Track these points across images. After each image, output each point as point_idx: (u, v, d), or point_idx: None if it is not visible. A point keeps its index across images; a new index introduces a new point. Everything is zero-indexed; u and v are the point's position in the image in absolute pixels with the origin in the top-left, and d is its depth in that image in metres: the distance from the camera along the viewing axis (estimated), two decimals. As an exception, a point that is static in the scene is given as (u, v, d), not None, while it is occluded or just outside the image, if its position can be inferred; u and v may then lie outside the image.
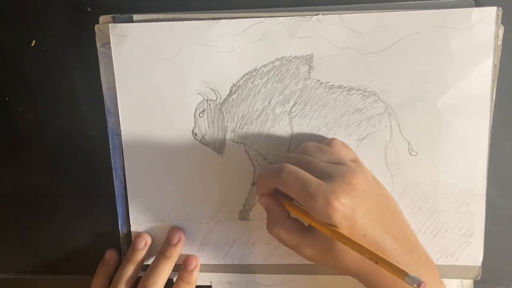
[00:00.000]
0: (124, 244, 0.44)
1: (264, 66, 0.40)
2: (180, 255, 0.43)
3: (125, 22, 0.40)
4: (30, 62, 0.43)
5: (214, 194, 0.42)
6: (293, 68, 0.40)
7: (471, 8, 0.38)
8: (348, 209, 0.32)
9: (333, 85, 0.40)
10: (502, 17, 0.37)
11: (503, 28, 0.38)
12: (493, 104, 0.39)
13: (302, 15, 0.39)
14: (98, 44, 0.41)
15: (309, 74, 0.40)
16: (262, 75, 0.40)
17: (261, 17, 0.39)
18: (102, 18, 0.40)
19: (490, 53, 0.38)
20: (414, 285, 0.27)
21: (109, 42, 0.40)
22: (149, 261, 0.43)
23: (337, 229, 0.32)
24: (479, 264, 0.41)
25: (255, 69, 0.40)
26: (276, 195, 0.37)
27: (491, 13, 0.37)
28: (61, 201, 0.45)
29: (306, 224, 0.36)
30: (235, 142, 0.41)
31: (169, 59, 0.40)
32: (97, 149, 0.43)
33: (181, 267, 0.43)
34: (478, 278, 0.41)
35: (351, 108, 0.40)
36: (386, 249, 0.33)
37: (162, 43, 0.40)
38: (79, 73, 0.42)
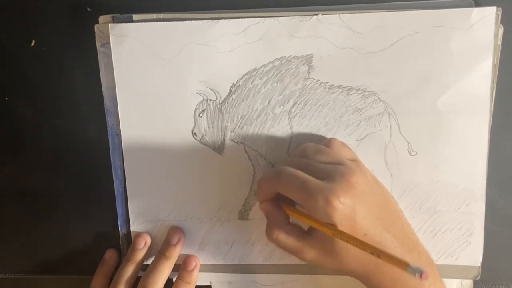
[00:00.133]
0: (124, 244, 0.44)
1: (264, 66, 0.40)
2: (180, 255, 0.43)
3: (125, 22, 0.40)
4: (30, 62, 0.43)
5: (214, 194, 0.42)
6: (292, 68, 0.40)
7: (471, 8, 0.38)
8: (348, 208, 0.32)
9: (333, 85, 0.40)
10: (502, 17, 0.37)
11: (502, 28, 0.38)
12: (493, 104, 0.39)
13: (302, 15, 0.39)
14: (98, 44, 0.41)
15: (308, 74, 0.40)
16: (262, 75, 0.40)
17: (261, 17, 0.39)
18: (102, 18, 0.40)
19: (489, 53, 0.38)
20: (416, 275, 0.26)
21: (109, 42, 0.40)
22: (149, 261, 0.43)
23: (337, 228, 0.32)
24: (479, 264, 0.41)
25: (254, 69, 0.40)
26: (276, 201, 0.37)
27: (490, 13, 0.37)
28: (61, 201, 0.45)
29: (306, 229, 0.36)
30: (235, 142, 0.41)
31: (169, 59, 0.40)
32: (97, 149, 0.43)
33: (181, 267, 0.43)
34: (478, 278, 0.41)
35: (350, 108, 0.40)
36: (386, 248, 0.33)
37: (162, 43, 0.40)
38: (79, 73, 0.42)
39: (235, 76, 0.40)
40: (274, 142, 0.41)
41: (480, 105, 0.39)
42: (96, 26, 0.40)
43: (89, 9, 0.41)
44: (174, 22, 0.39)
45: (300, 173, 0.33)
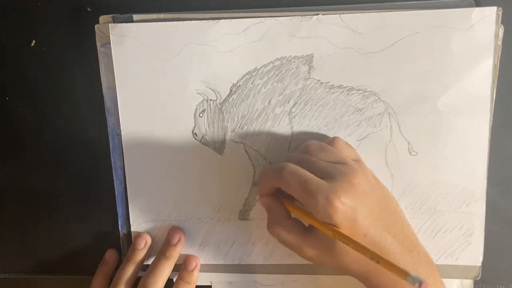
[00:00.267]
0: (124, 244, 0.44)
1: (264, 66, 0.40)
2: (180, 255, 0.43)
3: (125, 22, 0.40)
4: (30, 62, 0.42)
5: (214, 194, 0.42)
6: (293, 68, 0.40)
7: (471, 8, 0.38)
8: (349, 209, 0.32)
9: (333, 85, 0.40)
10: (502, 17, 0.37)
11: (503, 28, 0.38)
12: (493, 104, 0.39)
13: (302, 15, 0.39)
14: (98, 44, 0.41)
15: (309, 74, 0.40)
16: (262, 75, 0.40)
17: (261, 17, 0.39)
18: (102, 18, 0.40)
19: (490, 53, 0.38)
20: (416, 285, 0.27)
21: (109, 42, 0.40)
22: (149, 261, 0.43)
23: (338, 229, 0.32)
24: (479, 264, 0.41)
25: (255, 69, 0.40)
26: (277, 195, 0.37)
27: (491, 13, 0.37)
28: (61, 201, 0.45)
29: (307, 225, 0.36)
30: (235, 142, 0.41)
31: (169, 59, 0.40)
32: (97, 149, 0.43)
33: (181, 267, 0.43)
34: (478, 278, 0.41)
35: (351, 108, 0.40)
36: (386, 249, 0.33)
37: (162, 43, 0.40)
38: (79, 73, 0.42)
39: (236, 76, 0.40)
40: (274, 142, 0.41)
41: (480, 105, 0.39)
42: (96, 26, 0.40)
43: (89, 9, 0.41)
44: (174, 22, 0.39)
45: (302, 171, 0.33)
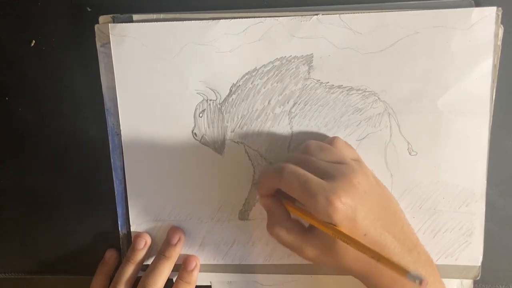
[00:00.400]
0: (124, 244, 0.44)
1: (264, 66, 0.40)
2: (180, 255, 0.43)
3: (125, 22, 0.40)
4: (30, 62, 0.43)
5: (214, 194, 0.42)
6: (293, 68, 0.40)
7: (471, 8, 0.38)
8: (349, 209, 0.32)
9: (333, 85, 0.40)
10: (502, 17, 0.37)
11: (503, 28, 0.38)
12: (493, 104, 0.39)
13: (302, 15, 0.39)
14: (98, 44, 0.41)
15: (309, 74, 0.40)
16: (262, 75, 0.40)
17: (261, 17, 0.39)
18: (102, 18, 0.40)
19: (490, 53, 0.38)
20: (416, 282, 0.27)
21: (109, 42, 0.40)
22: (149, 261, 0.43)
23: (338, 228, 0.32)
24: (479, 264, 0.41)
25: (255, 69, 0.40)
26: (277, 196, 0.37)
27: (491, 13, 0.37)
28: (61, 201, 0.45)
29: (307, 225, 0.36)
30: (235, 142, 0.41)
31: (169, 59, 0.40)
32: (97, 149, 0.43)
33: (181, 267, 0.43)
34: (478, 278, 0.41)
35: (351, 108, 0.40)
36: (386, 248, 0.33)
37: (162, 43, 0.40)
38: (79, 73, 0.42)
39: (235, 76, 0.40)
40: (274, 142, 0.41)
41: (480, 105, 0.39)
42: (96, 26, 0.40)
43: (89, 9, 0.41)
44: (174, 22, 0.39)
45: (301, 171, 0.33)
